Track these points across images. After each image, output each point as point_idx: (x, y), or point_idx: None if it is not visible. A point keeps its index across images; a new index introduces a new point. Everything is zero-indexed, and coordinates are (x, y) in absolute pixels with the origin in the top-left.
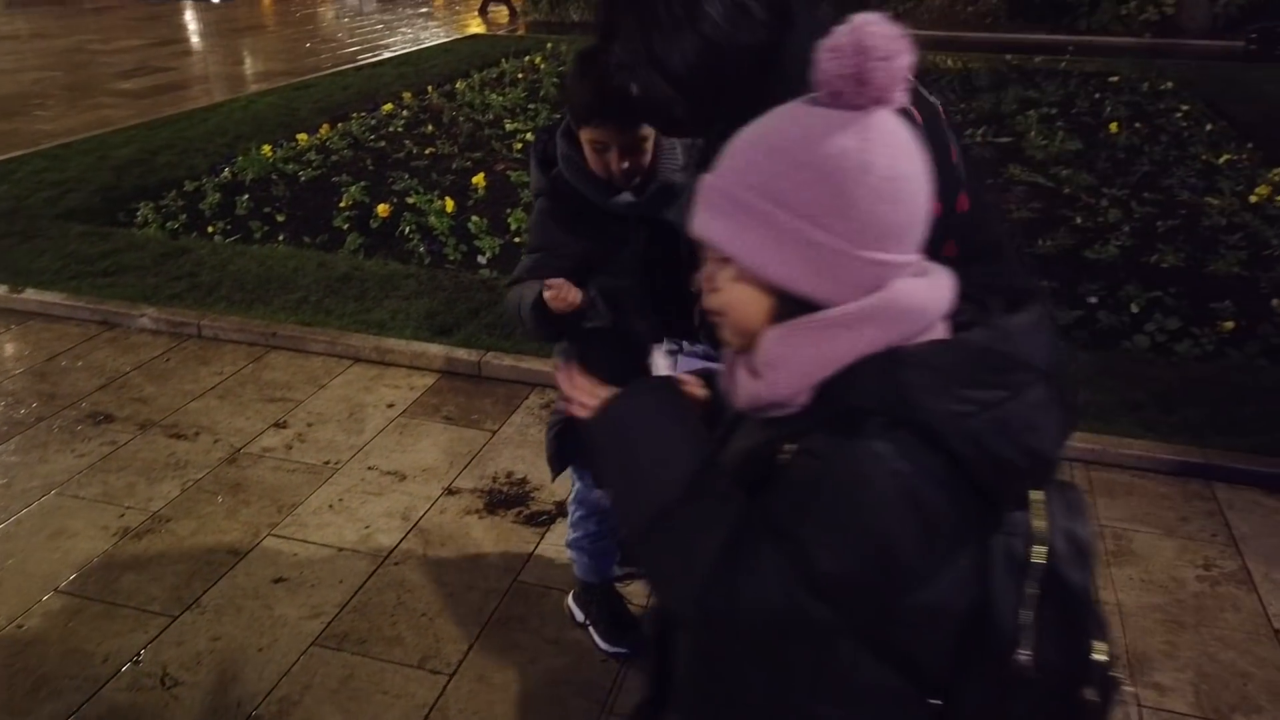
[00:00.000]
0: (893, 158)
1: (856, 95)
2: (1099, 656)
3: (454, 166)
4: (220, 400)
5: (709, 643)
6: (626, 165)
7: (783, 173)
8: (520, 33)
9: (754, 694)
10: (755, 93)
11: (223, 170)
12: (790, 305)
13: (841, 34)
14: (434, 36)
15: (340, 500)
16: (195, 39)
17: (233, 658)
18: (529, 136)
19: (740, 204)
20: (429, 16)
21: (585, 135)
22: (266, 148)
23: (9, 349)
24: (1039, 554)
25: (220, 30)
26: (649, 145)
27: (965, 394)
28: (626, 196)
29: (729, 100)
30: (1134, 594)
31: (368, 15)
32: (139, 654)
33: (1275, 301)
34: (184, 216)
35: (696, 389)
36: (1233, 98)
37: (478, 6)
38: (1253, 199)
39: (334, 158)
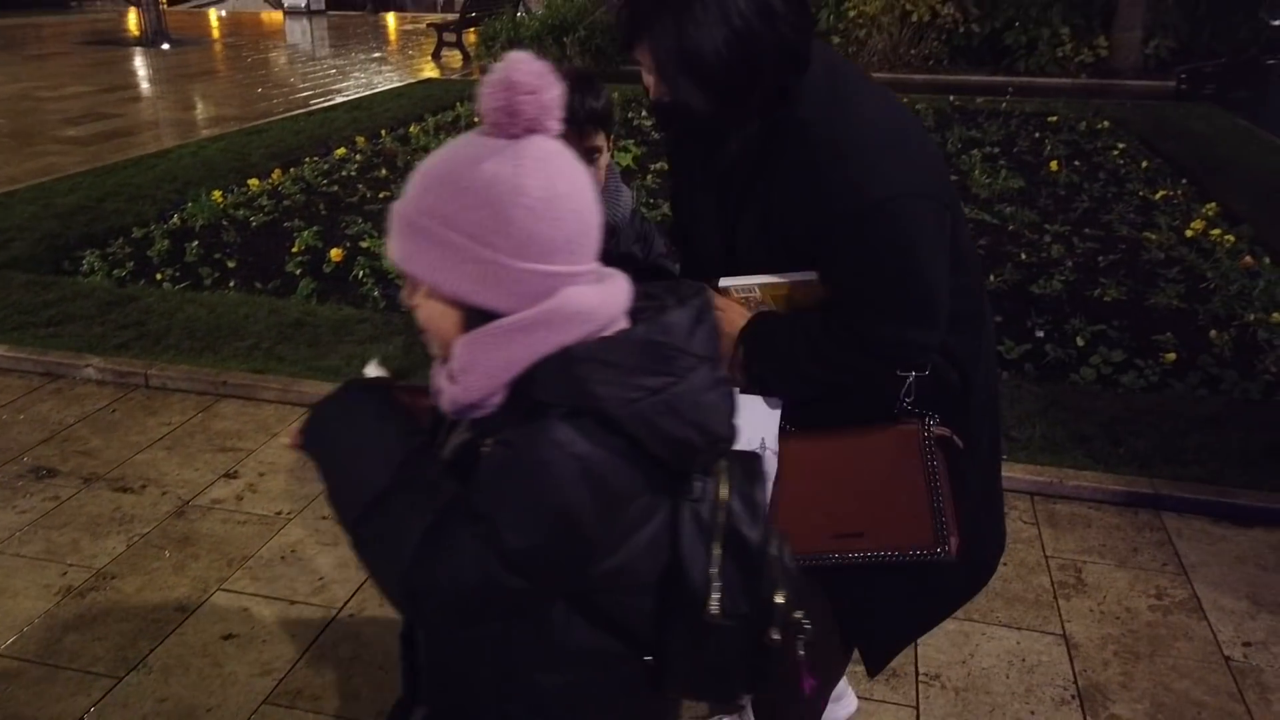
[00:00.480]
0: (547, 179)
1: (510, 125)
2: (779, 600)
3: None
4: (168, 451)
5: (428, 625)
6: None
7: (450, 197)
8: (474, 77)
9: (483, 670)
10: (784, 92)
11: (172, 216)
12: (475, 316)
13: (495, 71)
14: (387, 81)
15: (293, 552)
16: (145, 85)
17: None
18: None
19: (418, 228)
20: (382, 61)
21: None
22: (217, 193)
23: None
24: (721, 516)
25: (170, 76)
26: (602, 164)
27: (633, 381)
28: None
29: (759, 96)
30: (1089, 626)
31: (320, 60)
32: (82, 719)
33: (1213, 333)
34: (131, 264)
35: (424, 397)
36: (1166, 136)
37: (431, 51)
38: (1188, 233)
39: (286, 202)
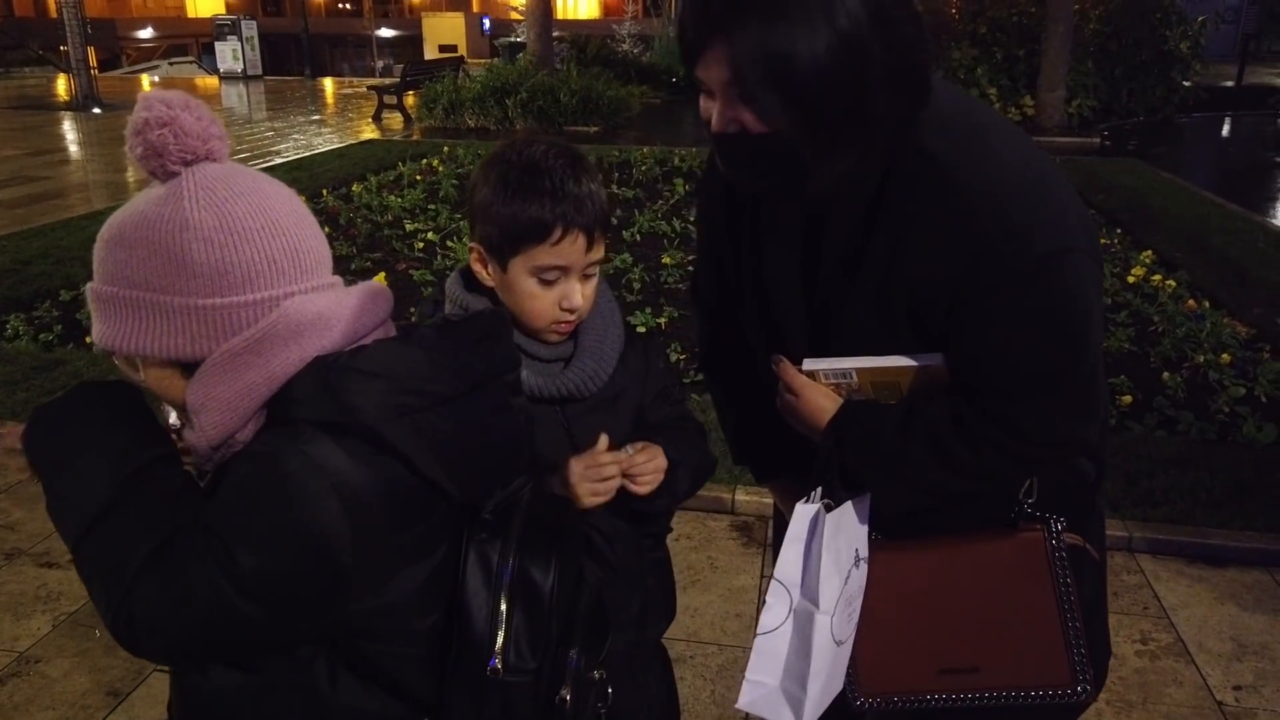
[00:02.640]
0: (216, 206)
1: (163, 167)
2: (572, 656)
3: (353, 267)
4: None
5: (153, 660)
6: (579, 301)
7: (125, 259)
8: (415, 138)
9: None
10: (902, 124)
11: None
12: (196, 369)
13: (130, 119)
14: (327, 142)
15: None
16: (75, 148)
17: None
18: (430, 236)
19: (106, 300)
20: (321, 124)
21: (532, 263)
22: None
23: None
24: (511, 560)
25: (102, 139)
26: (592, 287)
27: (393, 392)
28: (544, 364)
29: (864, 126)
30: None
31: (257, 123)
32: None
33: (1165, 375)
34: (59, 327)
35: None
36: (1096, 189)
37: (371, 114)
38: (1130, 279)
39: None
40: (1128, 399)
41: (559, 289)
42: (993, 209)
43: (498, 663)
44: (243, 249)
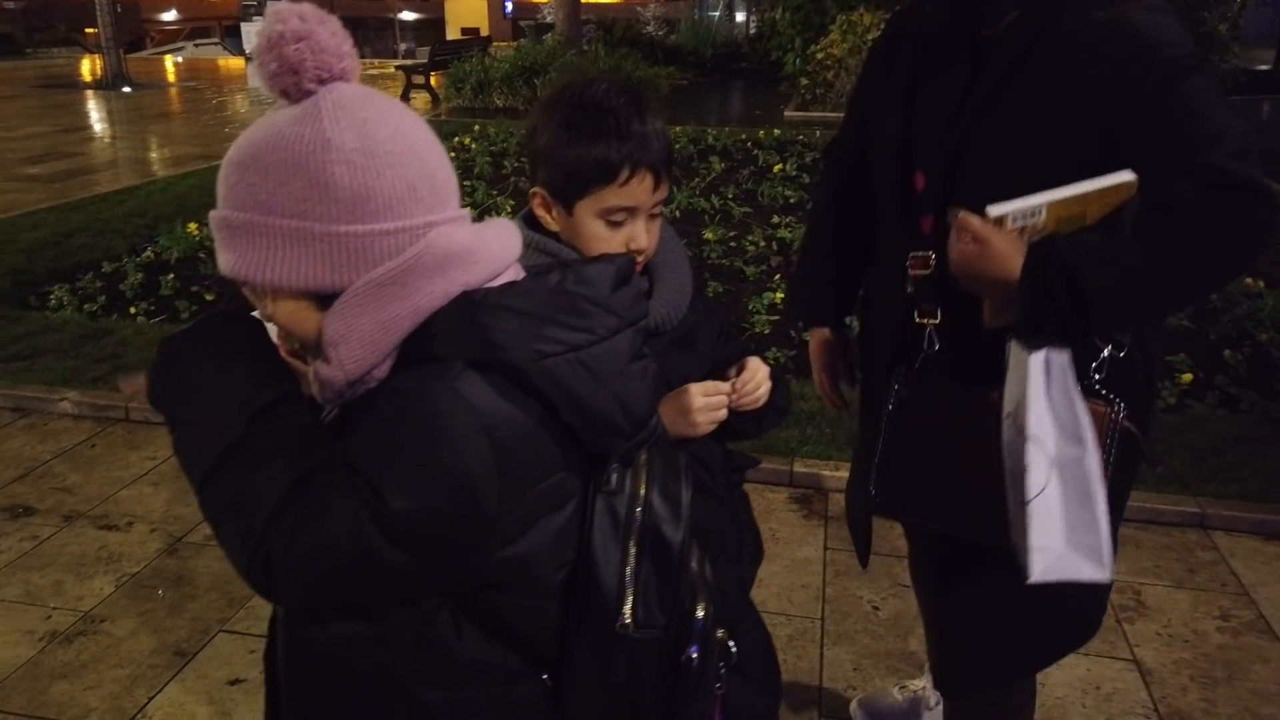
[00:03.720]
0: (358, 127)
1: (296, 85)
2: (700, 614)
3: None
4: (154, 487)
5: (285, 605)
6: (646, 242)
7: (259, 183)
8: (444, 117)
9: (356, 681)
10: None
11: (145, 250)
12: (333, 300)
13: (259, 34)
14: None
15: None
16: (106, 126)
17: None
18: (470, 212)
19: (238, 227)
20: None
21: (600, 206)
22: (193, 226)
23: None
24: (638, 514)
25: (132, 117)
26: (656, 230)
27: (545, 333)
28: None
29: None
30: (1159, 650)
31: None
32: None
33: (1227, 353)
34: (103, 298)
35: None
36: None
37: (398, 94)
38: None
39: None
40: (1188, 377)
41: (626, 230)
42: (1160, 30)
43: (628, 618)
44: (385, 174)
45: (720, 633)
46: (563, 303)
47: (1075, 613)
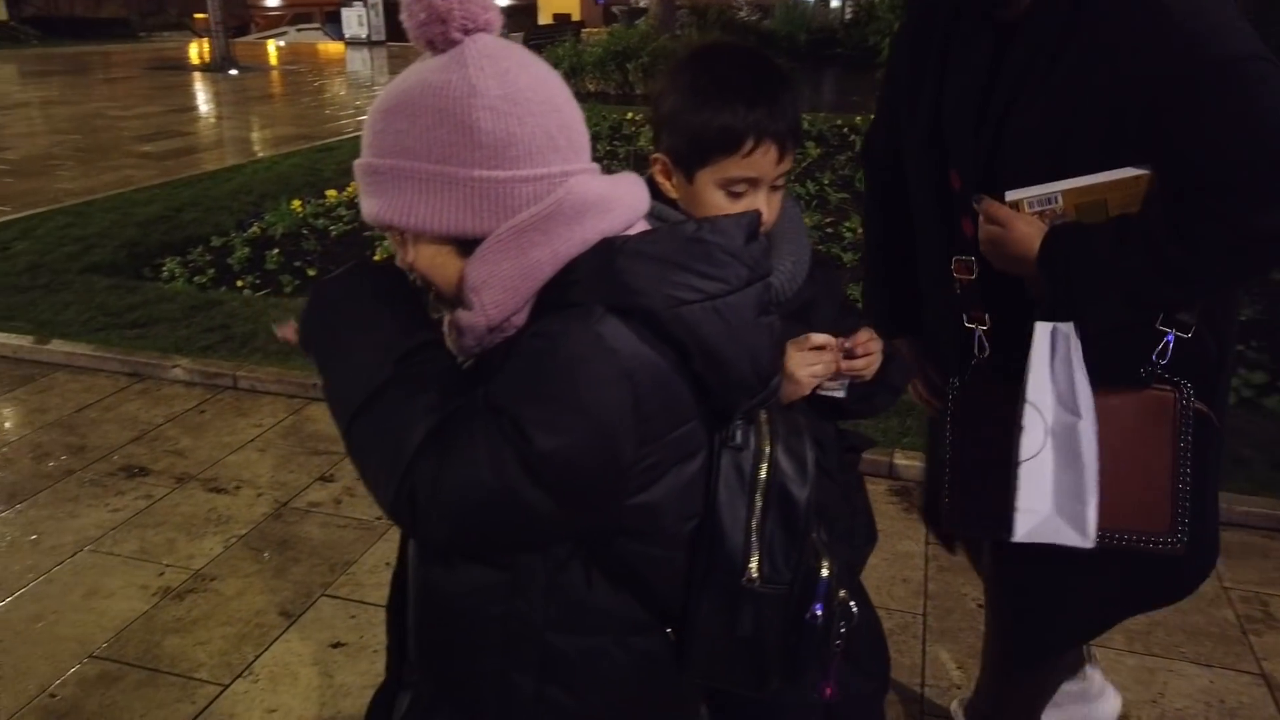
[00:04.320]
0: (502, 75)
1: (444, 35)
2: (825, 574)
3: None
4: (261, 453)
5: (425, 541)
6: (768, 215)
7: (406, 129)
8: None
9: (487, 626)
10: None
11: (251, 226)
12: (474, 247)
13: None
14: None
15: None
16: (214, 106)
17: None
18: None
19: (383, 174)
20: None
21: (721, 175)
22: (296, 203)
23: (34, 400)
24: (765, 470)
25: (239, 99)
26: (778, 200)
27: (681, 280)
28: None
29: None
30: None
31: (380, 85)
32: None
33: None
34: (212, 271)
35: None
36: None
37: None
38: None
39: None
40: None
41: (746, 201)
42: (1193, 10)
43: (754, 573)
44: (527, 121)
45: (842, 593)
46: (699, 251)
47: (1150, 570)
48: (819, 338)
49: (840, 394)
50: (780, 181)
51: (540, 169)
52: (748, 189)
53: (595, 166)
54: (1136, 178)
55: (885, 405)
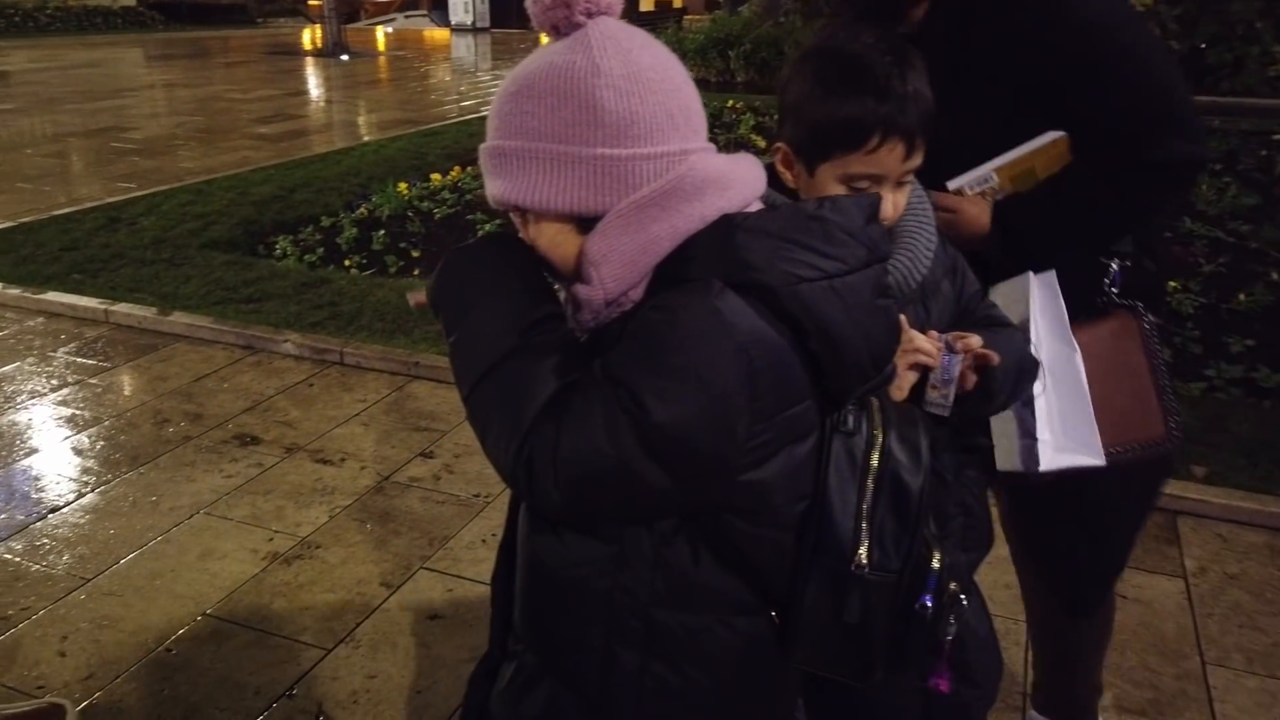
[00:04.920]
0: (624, 55)
1: (568, 19)
2: (935, 564)
3: None
4: (364, 427)
5: (539, 507)
6: (891, 213)
7: (529, 110)
8: None
9: (591, 599)
10: None
11: (359, 207)
12: (593, 225)
13: None
14: None
15: (494, 535)
16: (323, 90)
17: (390, 698)
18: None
19: (509, 155)
20: None
21: (843, 170)
22: (403, 185)
23: (156, 369)
24: (877, 457)
25: (349, 83)
26: (904, 195)
27: (800, 257)
28: None
29: None
30: None
31: (487, 71)
32: (292, 688)
33: None
34: (321, 250)
35: None
36: None
37: None
38: None
39: (468, 196)
40: None
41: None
42: None
43: (863, 559)
44: (648, 100)
45: (953, 586)
46: (818, 229)
47: (1148, 469)
48: (913, 332)
49: (944, 411)
50: (908, 178)
51: (661, 147)
52: (870, 185)
53: (712, 147)
54: (1054, 141)
55: (975, 411)
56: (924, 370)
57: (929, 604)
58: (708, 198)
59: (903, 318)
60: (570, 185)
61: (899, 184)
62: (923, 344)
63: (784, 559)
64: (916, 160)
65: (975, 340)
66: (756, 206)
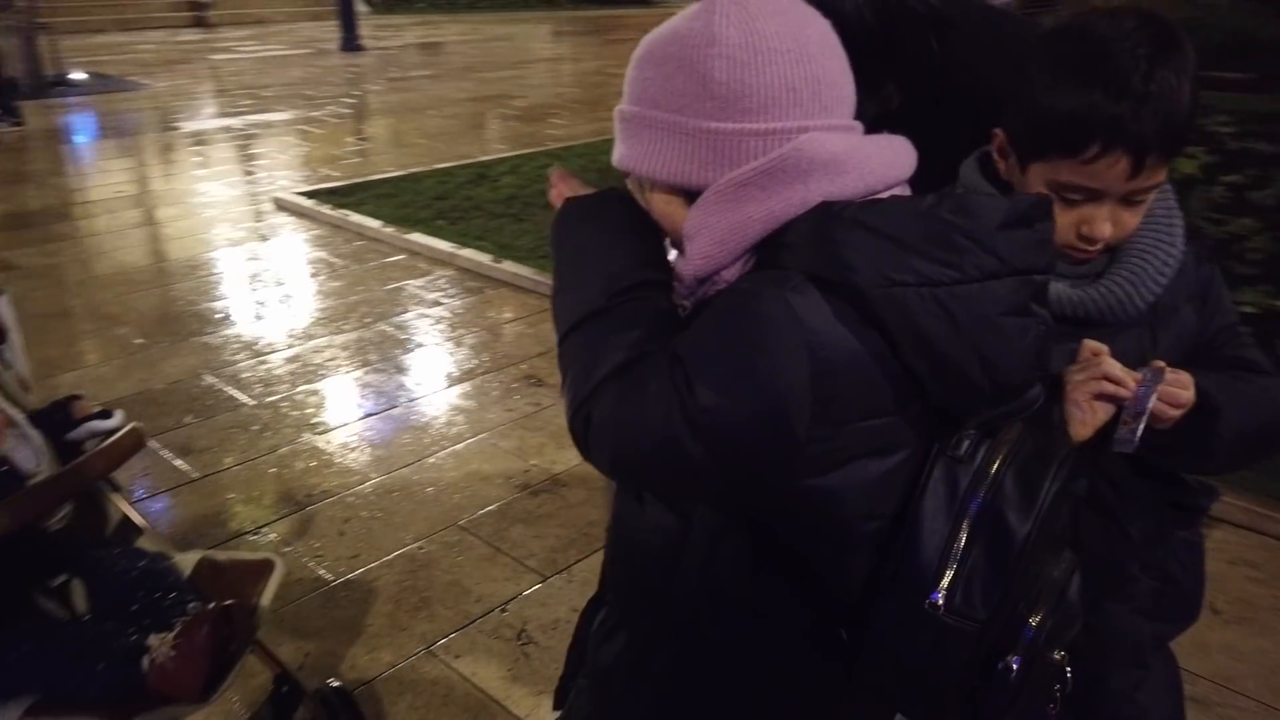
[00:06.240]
0: (746, 22)
1: None
2: (1033, 621)
3: None
4: None
5: (593, 464)
6: (1109, 233)
7: (650, 76)
8: None
9: (661, 568)
10: (926, 63)
11: None
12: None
13: None
14: None
15: None
16: None
17: None
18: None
19: (628, 120)
20: None
21: (1053, 177)
22: None
23: (479, 309)
24: (983, 491)
25: None
26: (1146, 207)
27: (899, 258)
28: (1063, 286)
29: (899, 62)
30: None
31: None
32: (506, 604)
33: None
34: None
35: None
36: None
37: None
38: None
39: None
40: None
41: (1081, 212)
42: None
43: (940, 598)
44: (764, 71)
45: (1059, 655)
46: (930, 230)
47: None
48: (1093, 344)
49: (1128, 448)
50: (1141, 196)
51: (772, 123)
52: (1084, 201)
53: (850, 124)
54: None
55: (1194, 466)
56: (1118, 404)
57: (1015, 666)
58: (813, 182)
59: (1092, 344)
60: (676, 156)
61: (1129, 201)
62: (1113, 371)
63: (850, 573)
64: (1154, 177)
65: (1181, 376)
66: (889, 194)
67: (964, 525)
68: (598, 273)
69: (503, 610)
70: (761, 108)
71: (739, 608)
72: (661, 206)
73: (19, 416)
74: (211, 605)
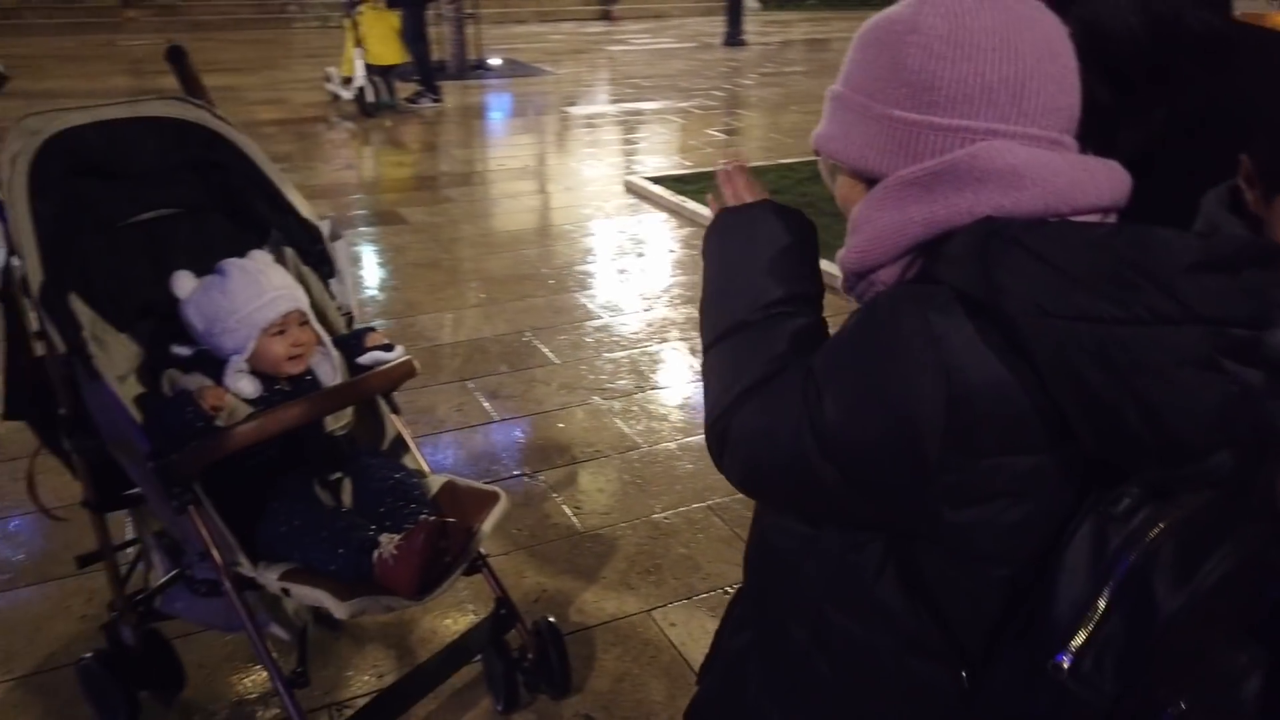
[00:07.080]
0: (954, 13)
1: None
2: (1171, 710)
3: None
4: None
5: (726, 476)
6: None
7: (857, 58)
8: None
9: (784, 574)
10: (1200, 93)
11: None
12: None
13: None
14: None
15: None
16: None
17: None
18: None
19: (832, 100)
20: None
21: None
22: None
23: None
24: (1134, 555)
25: None
26: None
27: (1059, 287)
28: None
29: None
30: None
31: None
32: (731, 586)
33: None
34: None
35: None
36: None
37: None
38: None
39: None
40: None
41: None
42: None
43: (1066, 660)
44: (960, 66)
45: None
46: (1099, 261)
47: None
48: None
49: None
50: None
51: (959, 120)
52: None
53: (1055, 138)
54: None
55: None
56: None
57: None
58: (985, 192)
59: None
60: (860, 141)
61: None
62: None
63: (980, 618)
64: None
65: None
66: (1079, 218)
67: (1106, 588)
68: (745, 286)
69: (726, 592)
70: (950, 102)
71: (865, 624)
72: (844, 191)
73: (327, 339)
74: (434, 519)
